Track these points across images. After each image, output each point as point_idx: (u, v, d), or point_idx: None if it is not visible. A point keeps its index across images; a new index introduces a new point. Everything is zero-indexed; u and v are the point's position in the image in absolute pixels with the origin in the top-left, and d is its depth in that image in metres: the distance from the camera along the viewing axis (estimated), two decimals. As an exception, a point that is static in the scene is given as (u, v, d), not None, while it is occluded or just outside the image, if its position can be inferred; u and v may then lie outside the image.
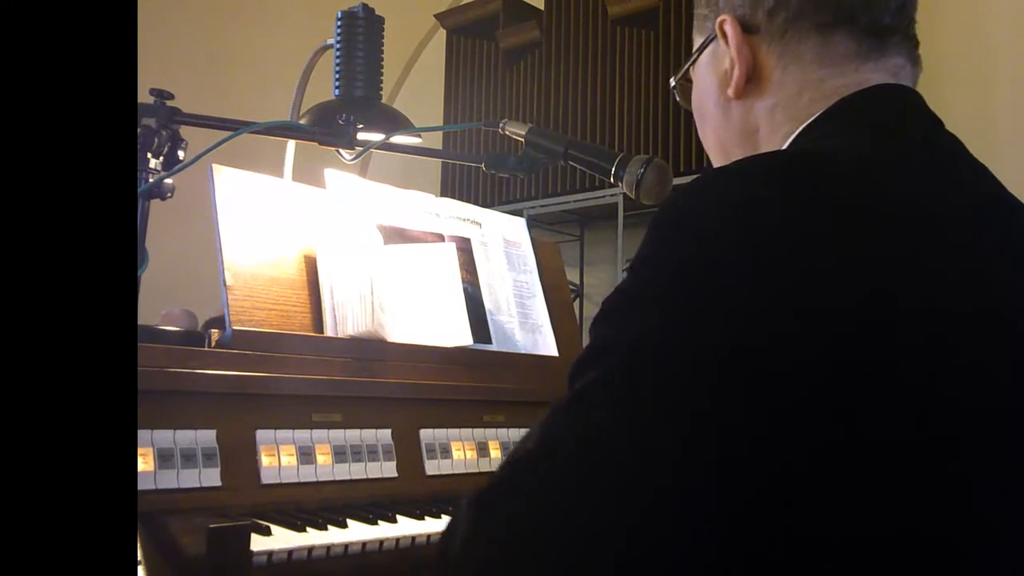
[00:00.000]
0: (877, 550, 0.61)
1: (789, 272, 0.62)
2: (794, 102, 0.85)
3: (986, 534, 0.64)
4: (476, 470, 1.42)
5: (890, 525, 0.61)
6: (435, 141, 6.33)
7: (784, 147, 0.85)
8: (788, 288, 0.61)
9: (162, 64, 3.49)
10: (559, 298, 1.86)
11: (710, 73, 0.94)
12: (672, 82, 1.04)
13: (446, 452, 1.39)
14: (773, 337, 0.60)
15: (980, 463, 0.64)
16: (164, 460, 1.07)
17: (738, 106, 0.90)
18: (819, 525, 0.61)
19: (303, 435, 1.23)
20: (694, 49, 0.97)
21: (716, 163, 0.98)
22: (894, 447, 0.61)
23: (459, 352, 1.53)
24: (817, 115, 0.82)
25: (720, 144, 0.95)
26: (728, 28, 0.87)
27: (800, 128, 0.84)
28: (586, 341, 0.72)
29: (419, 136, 1.75)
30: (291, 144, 1.80)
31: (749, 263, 0.62)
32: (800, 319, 0.60)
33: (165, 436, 1.08)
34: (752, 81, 0.88)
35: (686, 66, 0.99)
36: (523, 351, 1.68)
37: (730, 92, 0.89)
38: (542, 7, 6.49)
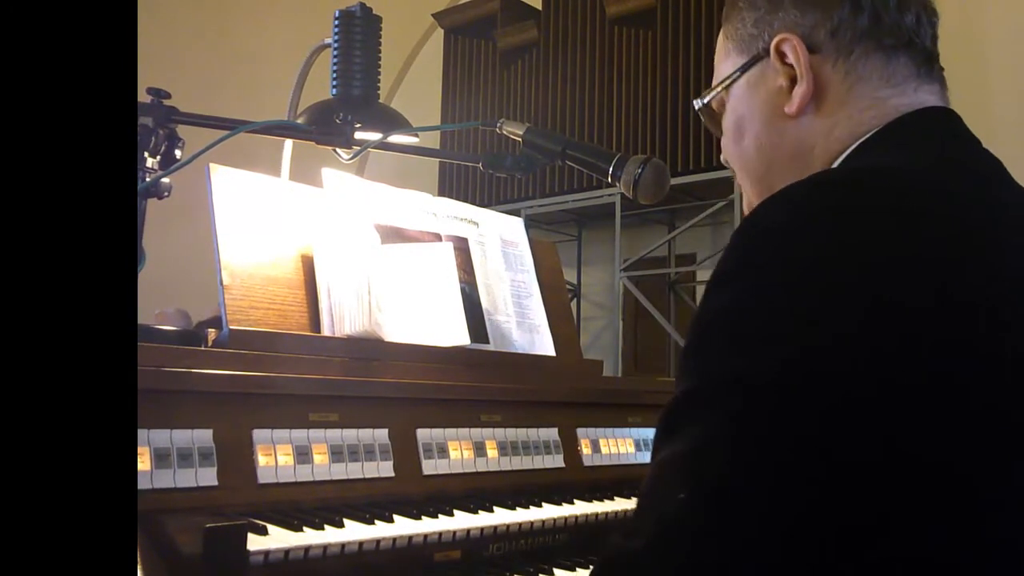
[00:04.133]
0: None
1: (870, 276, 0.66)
2: (856, 119, 0.88)
3: None
4: (473, 470, 1.42)
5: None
6: (433, 140, 6.32)
7: (836, 163, 0.88)
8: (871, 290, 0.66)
9: (159, 63, 3.48)
10: (556, 298, 1.86)
11: (756, 92, 0.94)
12: (698, 104, 1.03)
13: (443, 452, 1.39)
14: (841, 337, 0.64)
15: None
16: (161, 460, 1.07)
17: (795, 125, 0.91)
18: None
19: (300, 435, 1.23)
20: (729, 71, 0.97)
21: (753, 181, 0.98)
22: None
23: (456, 352, 1.53)
24: (874, 131, 0.86)
25: (767, 163, 0.95)
26: (790, 47, 0.89)
27: (855, 144, 0.87)
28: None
29: (416, 135, 1.74)
30: (288, 143, 1.80)
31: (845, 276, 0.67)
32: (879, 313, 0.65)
33: (162, 436, 1.08)
34: (812, 99, 0.89)
35: (723, 85, 0.98)
36: (520, 351, 1.68)
37: (789, 110, 0.90)
38: (540, 7, 6.49)
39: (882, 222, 0.69)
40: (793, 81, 0.90)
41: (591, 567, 0.75)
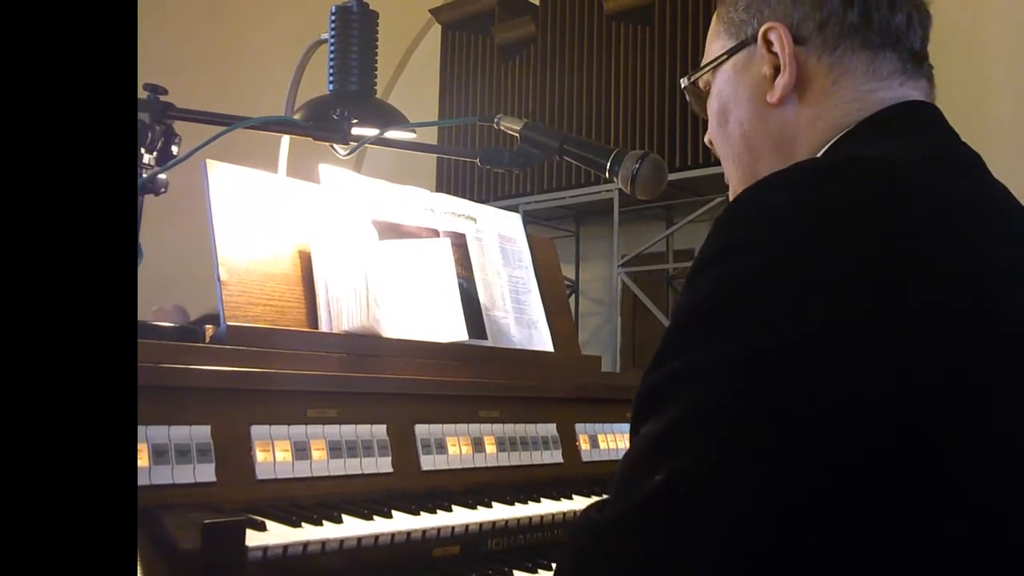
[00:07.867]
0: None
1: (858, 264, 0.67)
2: (841, 111, 0.90)
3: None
4: (471, 465, 1.42)
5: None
6: (430, 136, 6.32)
7: (821, 153, 0.89)
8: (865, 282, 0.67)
9: (156, 59, 3.48)
10: (554, 294, 1.86)
11: (742, 78, 0.96)
12: (684, 83, 1.05)
13: (441, 447, 1.39)
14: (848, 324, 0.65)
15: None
16: (159, 456, 1.07)
17: (778, 113, 0.93)
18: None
19: (298, 430, 1.23)
20: (718, 52, 0.99)
21: (737, 167, 1.00)
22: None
23: (454, 347, 1.53)
24: (859, 122, 0.88)
25: (750, 150, 0.97)
26: (776, 36, 0.91)
27: (839, 135, 0.89)
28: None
29: (414, 131, 1.74)
30: (285, 139, 1.80)
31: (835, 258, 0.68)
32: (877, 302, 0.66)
33: (160, 432, 1.08)
34: (796, 89, 0.91)
35: (708, 68, 1.00)
36: (518, 346, 1.68)
37: (771, 99, 0.92)
38: (537, 2, 6.48)
39: (876, 210, 0.70)
40: (777, 70, 0.92)
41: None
